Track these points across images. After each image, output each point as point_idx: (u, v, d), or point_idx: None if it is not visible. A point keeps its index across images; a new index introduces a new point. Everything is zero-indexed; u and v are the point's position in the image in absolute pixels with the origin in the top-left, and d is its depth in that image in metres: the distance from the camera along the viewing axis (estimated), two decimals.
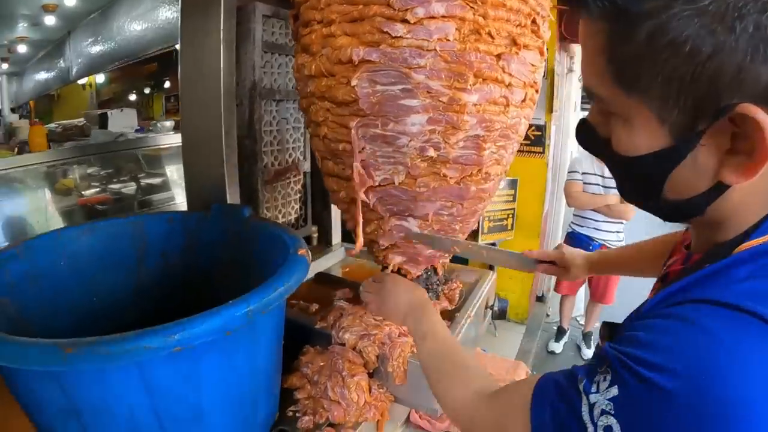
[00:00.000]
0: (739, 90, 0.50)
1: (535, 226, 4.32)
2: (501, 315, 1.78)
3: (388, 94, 1.05)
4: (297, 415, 1.15)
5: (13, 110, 7.24)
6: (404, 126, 1.07)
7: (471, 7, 1.01)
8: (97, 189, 3.13)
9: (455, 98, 1.05)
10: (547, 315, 5.28)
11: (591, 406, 0.53)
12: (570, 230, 4.38)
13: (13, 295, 1.00)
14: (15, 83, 7.39)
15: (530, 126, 4.22)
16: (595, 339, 4.74)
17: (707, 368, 0.47)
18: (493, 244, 4.16)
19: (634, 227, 6.88)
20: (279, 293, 0.82)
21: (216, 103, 1.36)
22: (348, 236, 1.75)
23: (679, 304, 0.56)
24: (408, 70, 1.02)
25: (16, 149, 3.53)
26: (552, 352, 4.73)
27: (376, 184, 1.17)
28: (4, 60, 6.23)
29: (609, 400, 0.51)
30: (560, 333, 4.81)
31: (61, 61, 5.73)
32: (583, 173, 4.07)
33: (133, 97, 10.63)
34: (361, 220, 1.25)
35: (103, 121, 4.42)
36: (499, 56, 1.07)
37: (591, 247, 4.15)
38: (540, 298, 5.29)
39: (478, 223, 4.03)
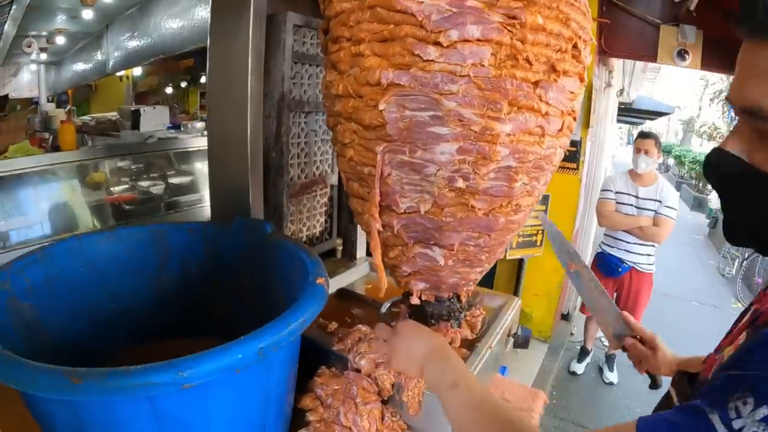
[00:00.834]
0: None
1: None
2: (524, 344, 1.71)
3: (417, 120, 1.01)
4: None
5: (49, 99, 7.38)
6: (433, 154, 1.03)
7: (509, 30, 0.96)
8: (126, 187, 3.16)
9: (488, 127, 1.01)
10: (572, 334, 5.24)
11: None
12: (600, 250, 4.31)
13: (32, 299, 1.02)
14: (53, 73, 7.57)
15: None
16: (618, 362, 4.65)
17: None
18: (521, 260, 4.11)
19: (664, 251, 6.78)
20: (293, 329, 0.81)
21: (242, 112, 1.36)
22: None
23: None
24: (439, 96, 0.98)
25: (48, 145, 3.59)
26: (573, 373, 4.68)
27: (401, 211, 1.13)
28: (43, 50, 6.36)
29: (760, 420, 0.54)
30: (583, 353, 4.75)
31: (99, 54, 5.86)
32: (617, 192, 4.01)
33: (169, 90, 10.78)
34: (379, 254, 1.22)
35: (135, 118, 4.48)
36: (536, 83, 1.01)
37: (620, 270, 4.08)
38: (565, 317, 5.23)
39: None
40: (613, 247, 4.14)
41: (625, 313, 1.37)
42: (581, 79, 1.11)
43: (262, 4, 1.33)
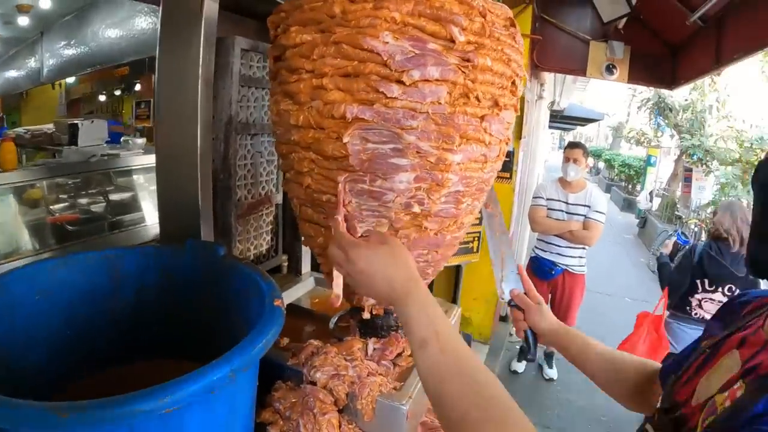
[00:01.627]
0: None
1: None
2: None
3: (379, 152, 1.06)
4: None
5: None
6: (392, 183, 1.10)
7: (462, 71, 1.06)
8: (66, 206, 3.09)
9: (442, 158, 1.09)
10: (510, 335, 5.38)
11: None
12: (533, 254, 4.49)
13: None
14: None
15: None
16: (556, 359, 4.83)
17: None
18: (459, 266, 4.23)
19: (597, 251, 7.08)
20: (259, 350, 0.85)
21: (192, 134, 1.37)
22: (317, 265, 1.76)
23: None
24: (400, 130, 1.04)
25: None
26: (515, 372, 4.86)
27: (359, 235, 1.18)
28: None
29: None
30: (522, 353, 4.91)
31: (32, 61, 5.67)
32: (548, 199, 4.18)
33: (102, 99, 10.43)
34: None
35: (73, 132, 4.35)
36: (482, 118, 1.12)
37: (554, 272, 4.26)
38: (503, 318, 5.38)
39: None
40: (545, 251, 4.33)
41: (522, 269, 1.41)
42: (516, 111, 1.23)
43: (211, 27, 1.35)
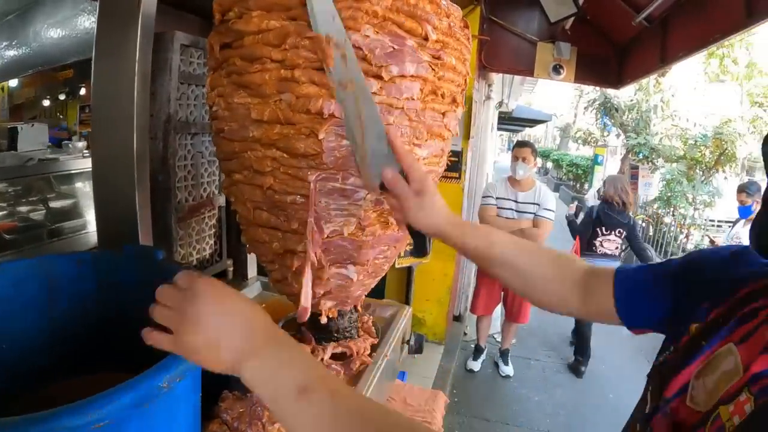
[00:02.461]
0: None
1: (450, 250, 4.41)
2: (418, 349, 1.77)
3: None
4: None
5: None
6: None
7: (433, 69, 1.07)
8: (4, 214, 2.93)
9: (412, 154, 1.09)
10: (465, 334, 5.42)
11: None
12: None
13: None
14: None
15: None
16: (512, 356, 4.89)
17: None
18: (410, 268, 4.23)
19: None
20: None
21: (129, 134, 1.30)
22: (264, 269, 1.71)
23: None
24: None
25: None
26: (471, 371, 4.87)
27: (325, 236, 1.15)
28: None
29: None
30: (478, 351, 4.95)
31: None
32: (498, 198, 4.22)
33: (46, 103, 10.06)
34: (310, 281, 1.17)
35: (12, 136, 4.18)
36: (444, 114, 1.15)
37: None
38: (457, 318, 5.40)
39: None
40: None
41: (393, 134, 0.99)
42: (463, 107, 1.26)
43: (149, 22, 1.28)
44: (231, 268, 1.97)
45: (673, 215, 11.07)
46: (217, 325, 0.69)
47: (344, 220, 1.15)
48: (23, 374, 1.15)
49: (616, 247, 4.97)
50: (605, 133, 18.43)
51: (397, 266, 4.08)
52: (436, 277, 4.55)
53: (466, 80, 1.24)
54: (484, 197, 4.34)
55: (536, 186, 4.24)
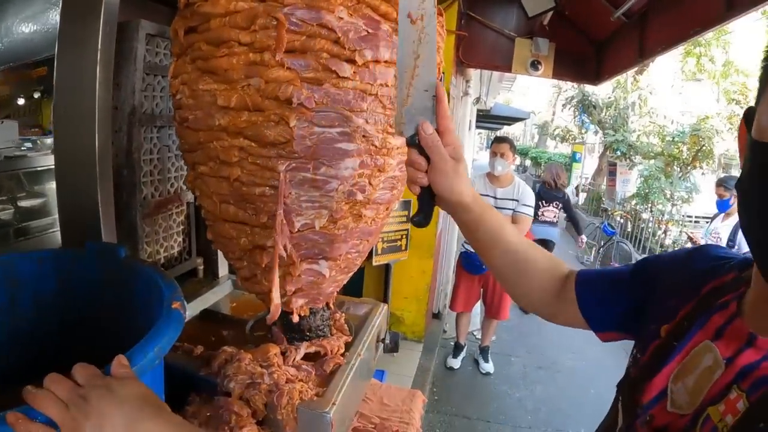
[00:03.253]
0: None
1: (429, 246, 4.41)
2: (394, 348, 1.73)
3: (325, 137, 1.01)
4: None
5: None
6: (337, 170, 1.05)
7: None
8: None
9: (385, 143, 1.08)
10: (444, 331, 5.41)
11: None
12: (463, 250, 4.52)
13: None
14: None
15: None
16: (492, 352, 4.89)
17: None
18: (388, 265, 4.20)
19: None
20: (150, 357, 0.76)
21: (90, 126, 1.25)
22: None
23: None
24: (350, 113, 1.00)
25: None
26: (451, 368, 4.86)
27: (295, 230, 1.11)
28: None
29: None
30: (458, 349, 4.94)
31: None
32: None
33: (21, 102, 9.86)
34: (277, 279, 1.13)
35: None
36: None
37: (484, 266, 4.28)
38: (436, 315, 5.39)
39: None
40: None
41: (441, 88, 0.92)
42: None
43: (112, 9, 1.23)
44: (201, 267, 1.92)
45: (651, 211, 11.19)
46: (102, 411, 0.62)
47: (315, 213, 1.11)
48: None
49: (554, 216, 6.51)
50: (583, 131, 18.62)
51: (374, 264, 4.05)
52: (414, 274, 4.52)
53: (440, 68, 1.20)
54: None
55: (515, 182, 4.24)
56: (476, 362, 4.99)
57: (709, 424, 0.62)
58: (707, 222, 6.84)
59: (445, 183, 0.90)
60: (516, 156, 4.44)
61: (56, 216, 3.16)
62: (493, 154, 4.20)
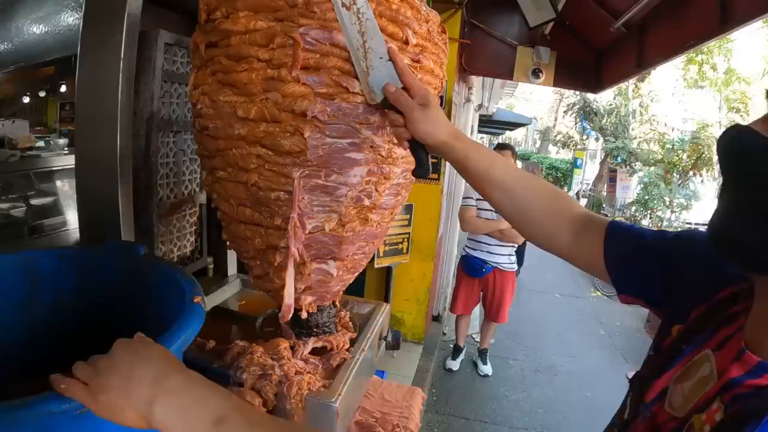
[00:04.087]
0: None
1: (430, 250, 4.48)
2: (395, 345, 1.80)
3: (336, 147, 1.08)
4: None
5: None
6: (346, 177, 1.12)
7: (414, 72, 1.10)
8: None
9: (391, 153, 1.16)
10: (444, 334, 5.47)
11: None
12: (464, 253, 4.56)
13: None
14: None
15: None
16: (490, 355, 4.93)
17: None
18: (389, 268, 4.26)
19: (527, 250, 7.27)
20: (175, 348, 0.83)
21: (112, 131, 1.32)
22: (243, 266, 1.73)
23: None
24: (359, 125, 1.08)
25: None
26: (449, 370, 4.90)
27: (307, 232, 1.19)
28: None
29: None
30: (456, 351, 4.98)
31: None
32: (477, 199, 4.26)
33: (26, 100, 9.91)
34: (293, 277, 1.21)
35: None
36: None
37: (484, 270, 4.35)
38: (436, 318, 5.44)
39: None
40: (476, 249, 4.42)
41: (394, 52, 1.03)
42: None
43: (134, 20, 1.30)
44: (211, 266, 1.99)
45: (651, 218, 11.25)
46: (130, 365, 0.67)
47: (326, 216, 1.19)
48: (2, 368, 1.15)
49: None
50: (584, 137, 18.66)
51: (376, 266, 4.12)
52: (414, 276, 4.60)
53: (442, 83, 1.30)
54: (464, 198, 4.39)
55: None
56: (475, 364, 5.04)
57: (691, 430, 0.65)
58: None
59: (420, 128, 0.98)
60: (518, 162, 4.50)
61: (67, 216, 3.25)
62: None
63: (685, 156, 12.47)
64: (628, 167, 13.82)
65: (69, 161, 3.37)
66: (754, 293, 0.67)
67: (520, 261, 6.11)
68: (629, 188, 12.68)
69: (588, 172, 18.55)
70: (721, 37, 2.80)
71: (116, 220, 1.37)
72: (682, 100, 15.66)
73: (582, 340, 5.84)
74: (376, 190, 1.20)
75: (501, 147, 4.36)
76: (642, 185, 12.30)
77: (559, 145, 22.24)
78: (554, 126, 26.11)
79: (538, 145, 31.89)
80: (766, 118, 0.60)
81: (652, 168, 13.03)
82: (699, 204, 11.78)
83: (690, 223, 12.17)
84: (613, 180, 12.89)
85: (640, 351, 3.82)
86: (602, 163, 16.08)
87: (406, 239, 4.11)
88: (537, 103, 30.74)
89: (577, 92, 14.88)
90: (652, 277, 0.88)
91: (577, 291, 8.27)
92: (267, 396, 1.24)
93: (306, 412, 1.24)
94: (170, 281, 1.09)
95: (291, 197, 1.12)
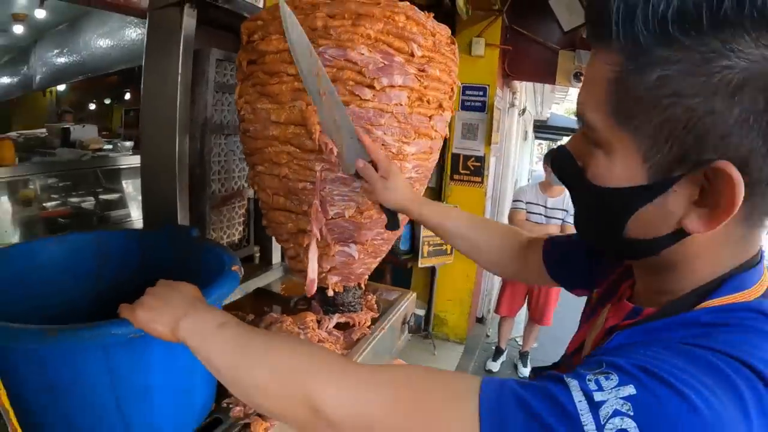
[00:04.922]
0: (721, 149, 0.52)
1: None
2: (417, 329, 1.97)
3: None
4: (230, 405, 1.29)
5: None
6: None
7: (419, 80, 1.30)
8: (58, 203, 3.22)
9: (401, 150, 1.33)
10: (487, 336, 5.50)
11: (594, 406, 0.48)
12: None
13: None
14: None
15: (470, 157, 4.50)
16: (532, 359, 4.96)
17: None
18: (434, 268, 4.38)
19: None
20: (215, 298, 1.01)
21: (172, 136, 1.53)
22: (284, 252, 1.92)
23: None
24: (371, 126, 1.27)
25: None
26: (489, 371, 4.92)
27: (329, 217, 1.39)
28: None
29: (624, 399, 0.48)
30: (498, 352, 5.00)
31: (25, 69, 5.71)
32: (527, 203, 4.33)
33: (92, 107, 10.45)
34: (315, 255, 1.40)
35: (65, 136, 4.51)
36: (430, 117, 1.37)
37: None
38: (480, 320, 5.48)
39: (419, 247, 4.31)
40: None
41: (360, 133, 1.20)
42: (452, 111, 1.48)
43: (189, 40, 1.51)
44: (258, 254, 2.20)
45: None
46: (167, 294, 0.89)
47: (345, 204, 1.39)
48: None
49: None
50: None
51: (420, 266, 4.24)
52: (458, 278, 4.70)
53: (453, 88, 1.47)
54: (514, 201, 4.45)
55: (566, 193, 4.26)
56: (515, 366, 5.07)
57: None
58: None
59: (382, 196, 1.21)
60: None
61: (130, 209, 3.51)
62: (545, 168, 4.32)
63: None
64: None
65: (133, 161, 3.64)
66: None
67: None
68: None
69: None
70: None
71: (174, 209, 1.58)
72: None
73: None
74: None
75: (545, 158, 4.44)
76: None
77: None
78: None
79: None
80: (574, 137, 0.70)
81: None
82: None
83: None
84: None
85: None
86: None
87: None
88: None
89: None
90: (581, 266, 1.01)
91: None
92: None
93: None
94: (216, 257, 1.27)
95: (314, 187, 1.33)
